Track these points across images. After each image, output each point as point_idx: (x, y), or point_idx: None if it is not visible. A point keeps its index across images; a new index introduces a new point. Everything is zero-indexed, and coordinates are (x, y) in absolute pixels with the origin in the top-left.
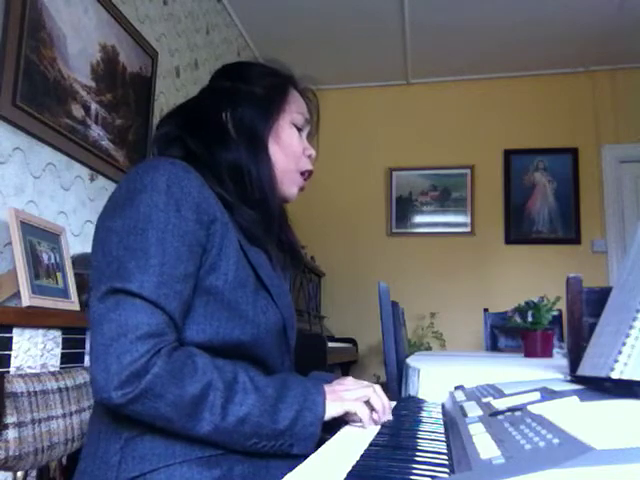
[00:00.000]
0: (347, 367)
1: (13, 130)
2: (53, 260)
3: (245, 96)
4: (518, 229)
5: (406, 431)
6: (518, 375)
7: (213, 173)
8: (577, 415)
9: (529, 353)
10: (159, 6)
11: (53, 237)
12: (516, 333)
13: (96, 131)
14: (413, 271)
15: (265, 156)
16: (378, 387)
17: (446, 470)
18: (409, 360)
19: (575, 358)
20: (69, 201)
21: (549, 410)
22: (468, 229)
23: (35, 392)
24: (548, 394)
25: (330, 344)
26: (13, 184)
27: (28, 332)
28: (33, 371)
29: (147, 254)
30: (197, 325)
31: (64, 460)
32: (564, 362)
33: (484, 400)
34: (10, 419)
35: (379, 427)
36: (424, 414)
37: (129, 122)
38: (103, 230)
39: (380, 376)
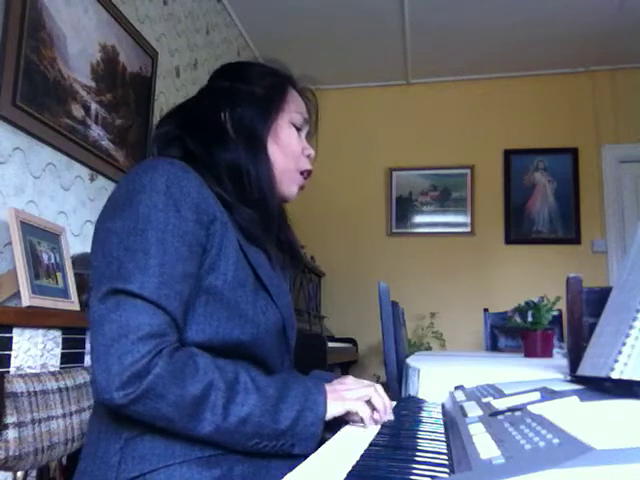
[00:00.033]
0: (347, 367)
1: (13, 130)
2: (53, 260)
3: (244, 96)
4: (518, 229)
5: (406, 431)
6: (518, 375)
7: (212, 173)
8: (577, 415)
9: (529, 353)
10: (159, 6)
11: (53, 237)
12: (516, 333)
13: (96, 131)
14: (413, 271)
15: (264, 156)
16: (379, 386)
17: (446, 470)
18: (409, 360)
19: (575, 358)
20: (69, 201)
21: (549, 410)
22: (468, 229)
23: (35, 392)
24: (548, 394)
25: (330, 344)
26: (13, 184)
27: (28, 332)
28: (33, 371)
29: (147, 255)
30: (197, 325)
31: (64, 460)
32: (564, 362)
33: (484, 400)
34: (10, 419)
35: (379, 427)
36: (424, 414)
37: (129, 122)
38: (103, 231)
39: (380, 376)
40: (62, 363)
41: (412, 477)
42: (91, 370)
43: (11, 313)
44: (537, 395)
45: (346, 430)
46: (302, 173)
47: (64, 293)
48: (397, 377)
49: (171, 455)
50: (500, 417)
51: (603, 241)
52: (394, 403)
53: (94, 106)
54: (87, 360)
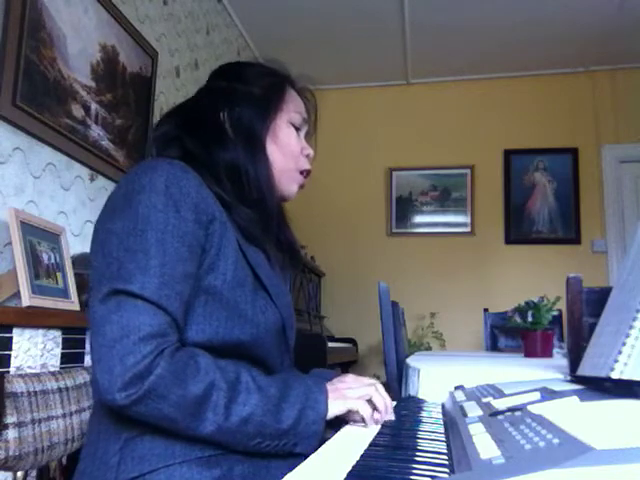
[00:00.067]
0: (347, 367)
1: (13, 130)
2: (53, 260)
3: (242, 96)
4: (518, 229)
5: (406, 431)
6: (518, 375)
7: (211, 173)
8: (577, 415)
9: (529, 353)
10: (159, 6)
11: (53, 237)
12: (516, 333)
13: (96, 131)
14: (413, 271)
15: (263, 156)
16: (380, 386)
17: (446, 470)
18: (409, 360)
19: (575, 358)
20: (69, 201)
21: (549, 410)
22: (468, 229)
23: (35, 392)
24: (548, 394)
25: (330, 344)
26: (13, 184)
27: (28, 332)
28: (33, 371)
29: (147, 255)
30: (196, 325)
31: (64, 460)
32: (564, 362)
33: (484, 400)
34: (10, 419)
35: (379, 427)
36: (424, 414)
37: (129, 122)
38: (103, 231)
39: (380, 376)
40: (62, 363)
41: (412, 477)
42: (92, 371)
43: (11, 313)
44: (537, 395)
45: (346, 430)
46: (302, 173)
47: (64, 293)
48: (397, 377)
49: (171, 455)
50: (500, 417)
51: (603, 241)
52: (394, 403)
53: (94, 106)
54: (87, 360)
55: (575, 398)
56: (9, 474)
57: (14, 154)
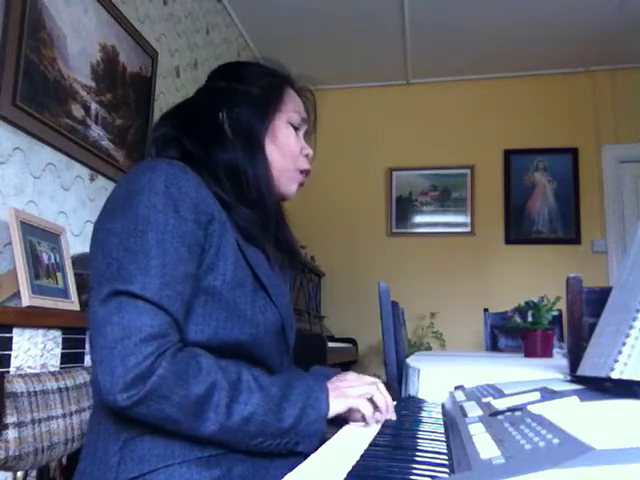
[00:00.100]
0: (347, 367)
1: (13, 130)
2: (53, 260)
3: (241, 96)
4: (518, 229)
5: (406, 431)
6: (518, 375)
7: (210, 173)
8: (577, 415)
9: (529, 353)
10: (159, 6)
11: (53, 237)
12: (516, 333)
13: (96, 131)
14: (413, 271)
15: (261, 156)
16: (381, 384)
17: (446, 470)
18: (409, 360)
19: (575, 358)
20: (69, 201)
21: (549, 410)
22: (468, 229)
23: (35, 392)
24: (548, 394)
25: (330, 344)
26: (13, 184)
27: (28, 332)
28: (33, 371)
29: (148, 256)
30: (196, 325)
31: (64, 460)
32: (564, 362)
33: (484, 400)
34: (10, 419)
35: (379, 427)
36: (424, 414)
37: (129, 122)
38: (102, 232)
39: (380, 376)
40: (62, 363)
41: (412, 477)
42: (92, 371)
43: (11, 313)
44: (537, 395)
45: (346, 430)
46: (301, 172)
47: (64, 293)
48: (397, 377)
49: (170, 455)
50: (500, 417)
51: (603, 241)
52: (394, 403)
53: (94, 106)
54: (87, 360)
55: (575, 398)
56: (9, 474)
57: (14, 154)
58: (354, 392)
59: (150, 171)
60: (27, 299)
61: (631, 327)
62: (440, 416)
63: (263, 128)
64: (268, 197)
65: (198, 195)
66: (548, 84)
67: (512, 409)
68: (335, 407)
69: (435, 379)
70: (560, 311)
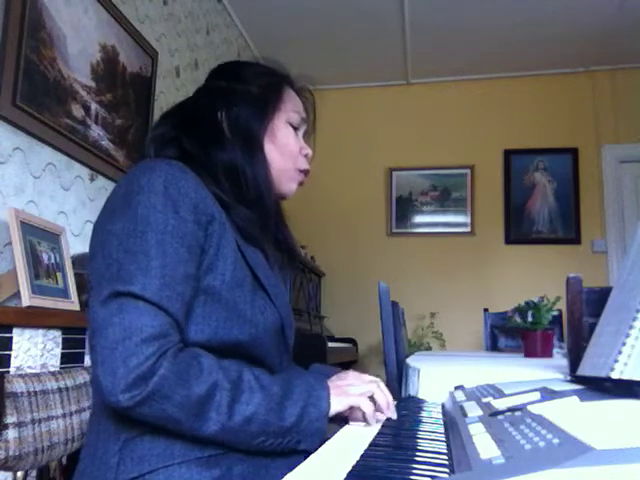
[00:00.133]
0: (347, 367)
1: (13, 130)
2: (53, 260)
3: (240, 96)
4: (518, 229)
5: (406, 431)
6: (518, 375)
7: (209, 173)
8: (577, 415)
9: (529, 353)
10: (159, 6)
11: (53, 237)
12: (516, 333)
13: (96, 131)
14: (413, 271)
15: (260, 156)
16: (382, 383)
17: (446, 470)
18: (409, 360)
19: (575, 358)
20: (69, 201)
21: (549, 410)
22: (468, 229)
23: (35, 392)
24: (548, 394)
25: (330, 344)
26: (13, 184)
27: (28, 332)
28: (33, 371)
29: (148, 256)
30: (195, 325)
31: (64, 460)
32: (564, 362)
33: (484, 400)
34: (10, 419)
35: (379, 427)
36: (424, 414)
37: (129, 122)
38: (102, 233)
39: (380, 376)
40: (62, 363)
41: (412, 477)
42: (92, 371)
43: (11, 313)
44: (537, 395)
45: (346, 430)
46: (300, 172)
47: (64, 293)
48: (397, 377)
49: (170, 456)
50: (500, 417)
51: (603, 241)
52: (395, 402)
53: (94, 106)
54: (87, 360)
55: (575, 398)
56: (9, 474)
57: (14, 154)
58: (355, 390)
59: (149, 171)
60: (27, 299)
61: (631, 327)
62: (440, 416)
63: (262, 128)
64: (267, 197)
65: (197, 195)
66: (548, 84)
67: (512, 409)
68: (336, 405)
69: (435, 379)
70: (560, 311)
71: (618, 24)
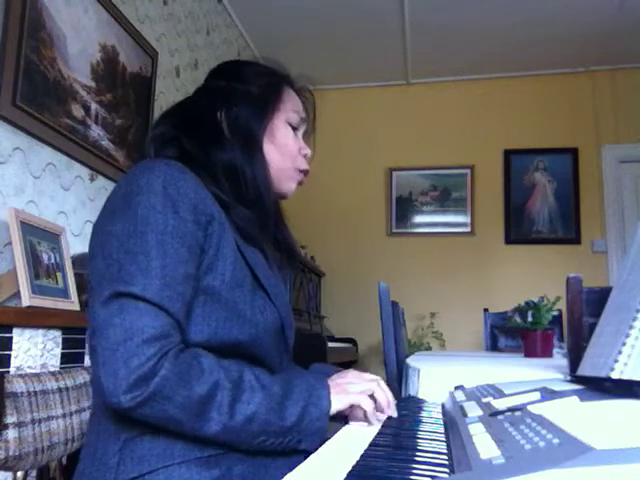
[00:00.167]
0: (347, 367)
1: (13, 130)
2: (53, 260)
3: (240, 95)
4: (518, 229)
5: (406, 431)
6: (518, 375)
7: (209, 173)
8: (577, 415)
9: (529, 353)
10: (159, 6)
11: (53, 237)
12: (516, 333)
13: (96, 131)
14: (413, 271)
15: (260, 155)
16: (382, 382)
17: (446, 470)
18: (409, 360)
19: (575, 358)
20: (69, 201)
21: (549, 410)
22: (468, 229)
23: (35, 392)
24: (548, 394)
25: (330, 344)
26: (13, 184)
27: (28, 332)
28: (33, 371)
29: (148, 257)
30: (195, 326)
31: (64, 460)
32: (564, 362)
33: (484, 400)
34: (10, 419)
35: (379, 427)
36: (424, 414)
37: (129, 122)
38: (102, 233)
39: (380, 376)
40: (62, 363)
41: (412, 477)
42: (93, 373)
43: (11, 313)
44: (537, 395)
45: (346, 429)
46: (300, 172)
47: (64, 293)
48: (397, 377)
49: (170, 456)
50: (500, 417)
51: (603, 241)
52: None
53: (94, 106)
54: (87, 360)
55: (575, 398)
56: (9, 474)
57: (14, 154)
58: (355, 389)
59: (148, 172)
60: (27, 299)
61: (631, 327)
62: (440, 416)
63: (261, 128)
64: (266, 197)
65: (197, 195)
66: (548, 84)
67: (512, 409)
68: (337, 404)
69: (435, 379)
70: (560, 311)
71: (618, 24)
